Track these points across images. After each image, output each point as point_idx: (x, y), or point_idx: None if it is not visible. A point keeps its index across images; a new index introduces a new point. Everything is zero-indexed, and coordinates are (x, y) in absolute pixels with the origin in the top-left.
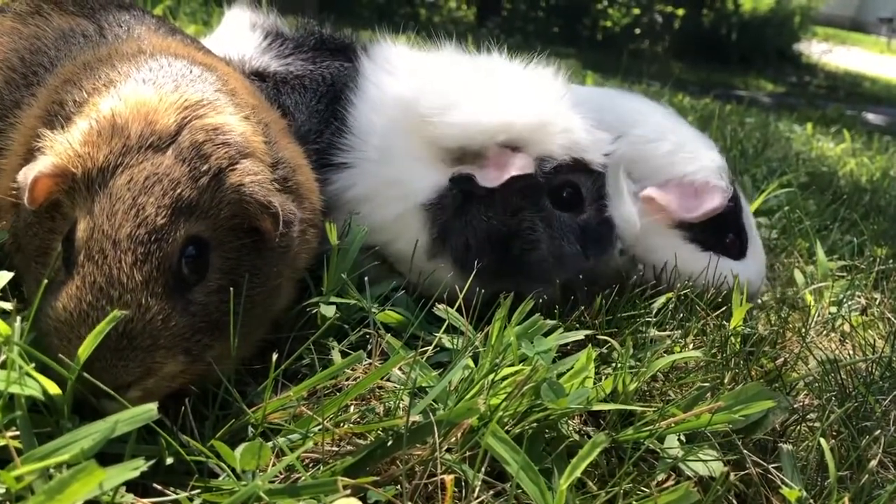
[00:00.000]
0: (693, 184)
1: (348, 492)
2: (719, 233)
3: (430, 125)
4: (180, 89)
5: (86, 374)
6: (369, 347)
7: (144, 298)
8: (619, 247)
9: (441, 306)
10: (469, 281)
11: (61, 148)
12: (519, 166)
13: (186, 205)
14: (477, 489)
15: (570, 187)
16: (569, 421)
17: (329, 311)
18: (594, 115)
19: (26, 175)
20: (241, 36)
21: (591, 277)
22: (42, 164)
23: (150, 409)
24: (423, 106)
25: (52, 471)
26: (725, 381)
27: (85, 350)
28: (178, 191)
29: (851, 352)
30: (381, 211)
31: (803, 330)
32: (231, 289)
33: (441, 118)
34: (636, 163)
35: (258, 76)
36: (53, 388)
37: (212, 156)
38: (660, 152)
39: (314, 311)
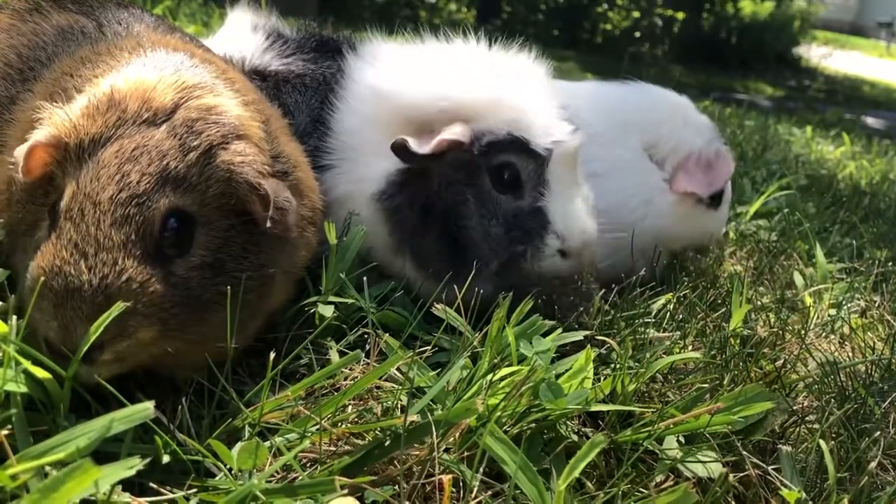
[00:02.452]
0: (707, 157)
1: (346, 491)
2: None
3: (388, 102)
4: (180, 72)
5: (51, 336)
6: (367, 347)
7: (121, 259)
8: (558, 246)
9: (439, 306)
10: (462, 282)
11: (58, 119)
12: (452, 132)
13: (172, 176)
14: (475, 489)
15: (509, 168)
16: (567, 421)
17: (327, 310)
18: (596, 114)
19: (22, 147)
20: (242, 37)
21: (525, 276)
22: (38, 134)
23: (147, 408)
24: (386, 86)
25: (48, 469)
26: (725, 382)
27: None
28: (165, 162)
29: (851, 354)
30: (355, 210)
31: (803, 332)
32: (216, 267)
33: (397, 96)
34: (654, 146)
35: (258, 75)
36: (51, 385)
37: (203, 132)
38: (670, 133)
39: (312, 310)
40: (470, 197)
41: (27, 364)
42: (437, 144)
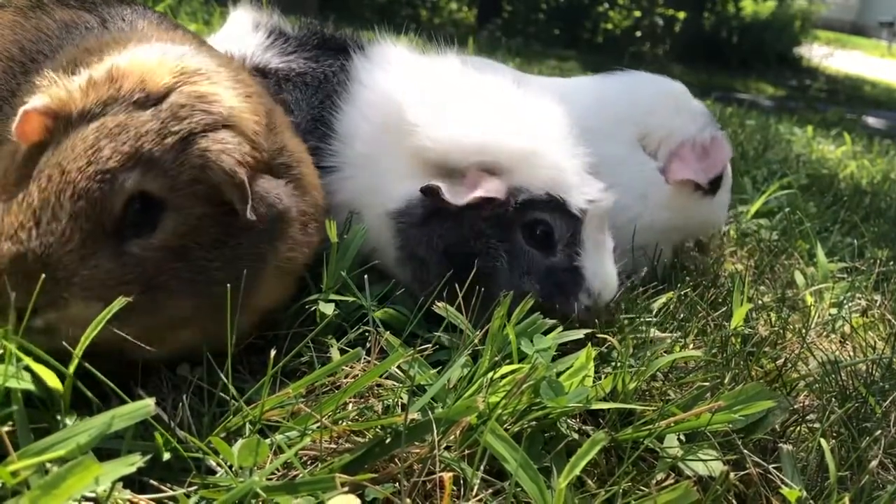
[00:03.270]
0: (702, 143)
1: (346, 489)
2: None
3: (415, 136)
4: (183, 58)
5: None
6: (368, 345)
7: (69, 230)
8: (588, 303)
9: (440, 304)
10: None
11: (55, 90)
12: (487, 189)
13: (146, 158)
14: (476, 487)
15: (543, 226)
16: (568, 420)
17: (328, 308)
18: (589, 110)
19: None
20: (244, 35)
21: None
22: (34, 101)
23: (147, 405)
24: (412, 114)
25: (48, 466)
26: (725, 380)
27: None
28: (140, 142)
29: (852, 353)
30: (362, 218)
31: (803, 331)
32: (179, 252)
33: (425, 130)
34: (647, 136)
35: (259, 73)
36: (53, 381)
37: (186, 119)
38: (662, 121)
39: (313, 308)
40: (503, 254)
41: (28, 360)
42: (474, 200)
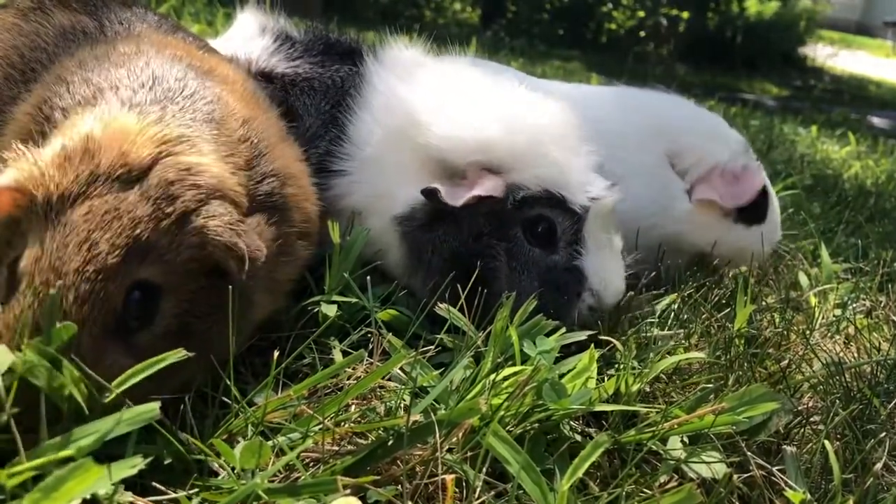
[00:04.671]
0: (733, 171)
1: (348, 491)
2: (758, 204)
3: (420, 135)
4: (164, 120)
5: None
6: (370, 346)
7: (79, 338)
8: (591, 303)
9: (443, 306)
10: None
11: (26, 165)
12: (485, 188)
13: (143, 247)
14: (478, 489)
15: (545, 222)
16: (571, 422)
17: (331, 310)
18: (621, 116)
19: None
20: (250, 39)
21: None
22: (4, 178)
23: (153, 409)
24: (422, 113)
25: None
26: (729, 382)
27: None
28: (137, 231)
29: (856, 354)
30: (371, 223)
31: (808, 332)
32: (182, 331)
33: (429, 129)
34: (678, 156)
35: (265, 77)
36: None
37: (179, 198)
38: (696, 143)
39: (315, 310)
40: (501, 251)
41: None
42: (470, 200)
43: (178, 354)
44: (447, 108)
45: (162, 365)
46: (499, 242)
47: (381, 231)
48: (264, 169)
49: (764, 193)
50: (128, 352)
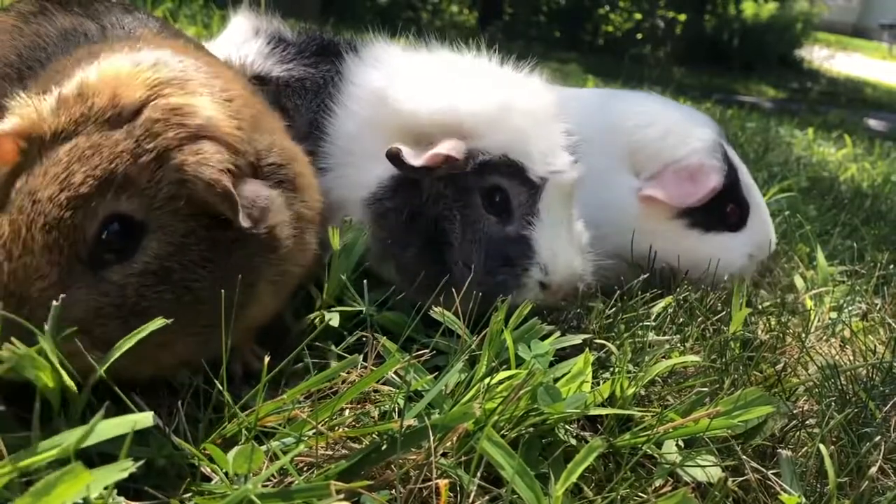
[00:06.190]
0: (687, 168)
1: (342, 496)
2: (720, 209)
3: (388, 108)
4: (157, 66)
5: None
6: (365, 350)
7: (43, 265)
8: (540, 278)
9: (437, 309)
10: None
11: (26, 111)
12: (446, 147)
13: (120, 180)
14: (472, 494)
15: (500, 192)
16: (565, 426)
17: (334, 318)
18: (583, 118)
19: None
20: (244, 41)
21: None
22: (5, 124)
23: (146, 417)
24: (391, 93)
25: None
26: (724, 386)
27: None
28: (114, 164)
29: (852, 357)
30: (351, 214)
31: (803, 335)
32: (160, 275)
33: (397, 103)
34: (634, 154)
35: (259, 80)
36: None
37: (161, 135)
38: (651, 138)
39: (316, 317)
40: (457, 214)
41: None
42: (430, 158)
43: (157, 323)
44: (417, 81)
45: (143, 334)
46: (455, 204)
47: (356, 220)
48: (270, 140)
49: (733, 197)
50: (97, 286)
